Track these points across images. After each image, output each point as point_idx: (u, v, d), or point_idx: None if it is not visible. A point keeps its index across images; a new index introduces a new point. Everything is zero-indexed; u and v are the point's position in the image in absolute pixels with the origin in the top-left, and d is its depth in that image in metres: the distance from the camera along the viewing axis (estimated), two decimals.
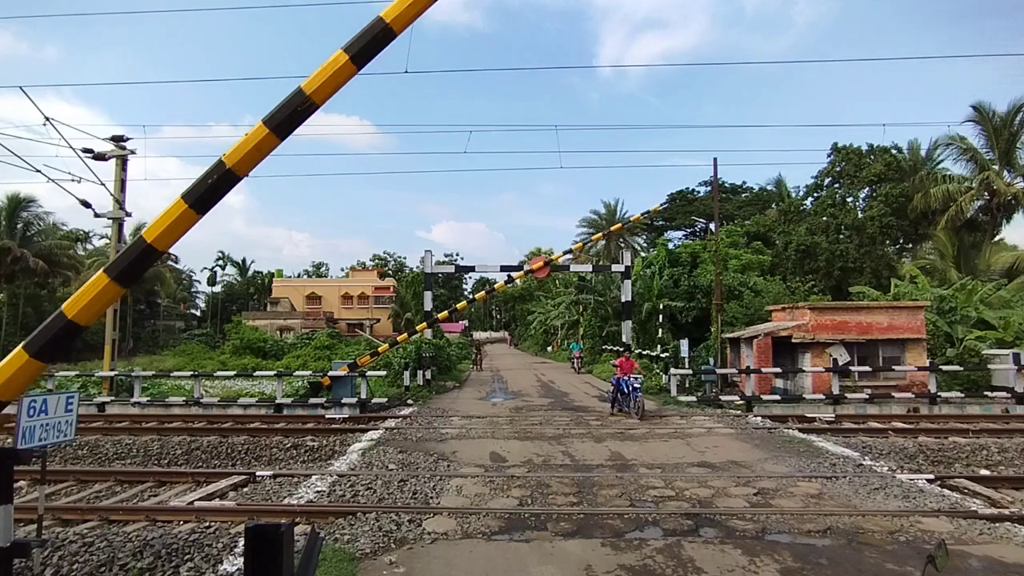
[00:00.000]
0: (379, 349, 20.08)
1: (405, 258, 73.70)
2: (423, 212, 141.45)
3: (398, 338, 20.90)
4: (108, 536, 6.03)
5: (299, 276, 79.62)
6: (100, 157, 17.66)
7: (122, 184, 18.26)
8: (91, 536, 6.01)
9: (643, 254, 43.64)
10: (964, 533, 5.99)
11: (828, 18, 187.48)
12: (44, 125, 14.97)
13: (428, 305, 25.50)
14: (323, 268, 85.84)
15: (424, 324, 20.97)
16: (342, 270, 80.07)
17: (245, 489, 8.45)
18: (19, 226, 38.85)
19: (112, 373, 17.64)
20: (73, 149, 16.19)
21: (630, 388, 13.76)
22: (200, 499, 7.79)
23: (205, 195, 4.09)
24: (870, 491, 7.48)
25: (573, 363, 28.64)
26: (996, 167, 30.84)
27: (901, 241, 37.59)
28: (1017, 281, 27.34)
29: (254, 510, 7.04)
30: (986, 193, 30.55)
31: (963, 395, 15.46)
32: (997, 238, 32.47)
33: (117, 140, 18.19)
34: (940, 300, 20.31)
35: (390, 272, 68.43)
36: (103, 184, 17.40)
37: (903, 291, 23.02)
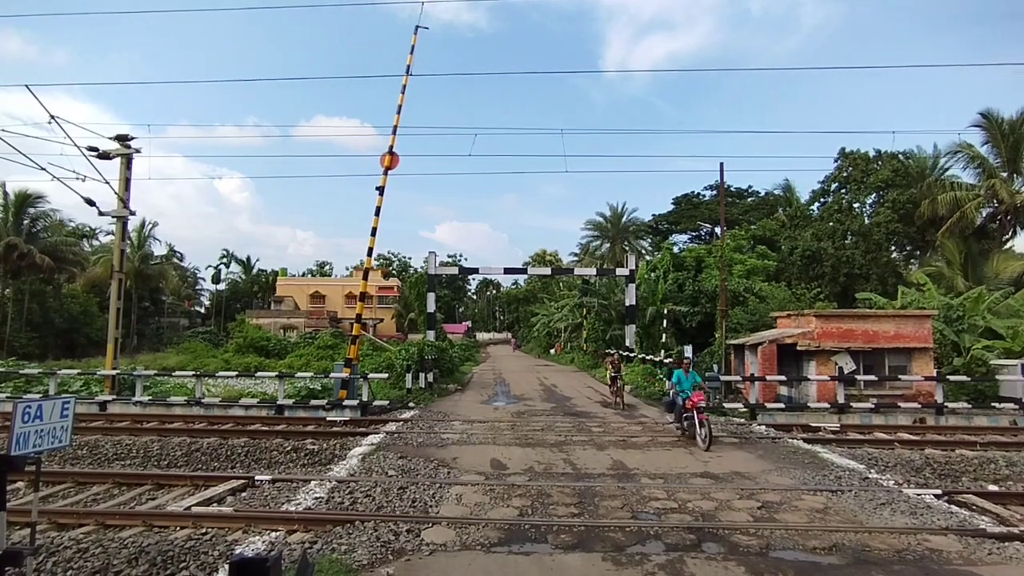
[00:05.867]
0: (353, 331, 19.03)
1: (410, 258, 73.86)
2: (427, 212, 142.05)
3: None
4: (103, 542, 5.97)
5: (303, 275, 79.84)
6: (105, 156, 17.66)
7: (126, 183, 18.25)
8: (86, 542, 5.96)
9: (648, 257, 43.47)
10: (973, 552, 5.86)
11: (835, 20, 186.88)
12: (50, 123, 14.97)
13: (431, 306, 25.50)
14: (327, 267, 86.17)
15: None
16: (346, 269, 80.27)
17: (243, 494, 8.38)
18: (26, 222, 39.02)
19: (114, 372, 17.61)
20: (78, 147, 16.21)
21: None
22: (198, 504, 7.71)
23: None
24: (876, 506, 7.35)
25: (683, 418, 11.61)
26: (1004, 174, 30.57)
27: (908, 248, 37.29)
28: None
29: (251, 516, 6.96)
30: (994, 200, 30.28)
31: (970, 406, 15.26)
32: (1006, 246, 32.16)
33: (122, 139, 18.20)
34: (947, 309, 20.12)
35: (394, 272, 68.51)
36: (107, 182, 17.41)
37: (911, 299, 22.83)
